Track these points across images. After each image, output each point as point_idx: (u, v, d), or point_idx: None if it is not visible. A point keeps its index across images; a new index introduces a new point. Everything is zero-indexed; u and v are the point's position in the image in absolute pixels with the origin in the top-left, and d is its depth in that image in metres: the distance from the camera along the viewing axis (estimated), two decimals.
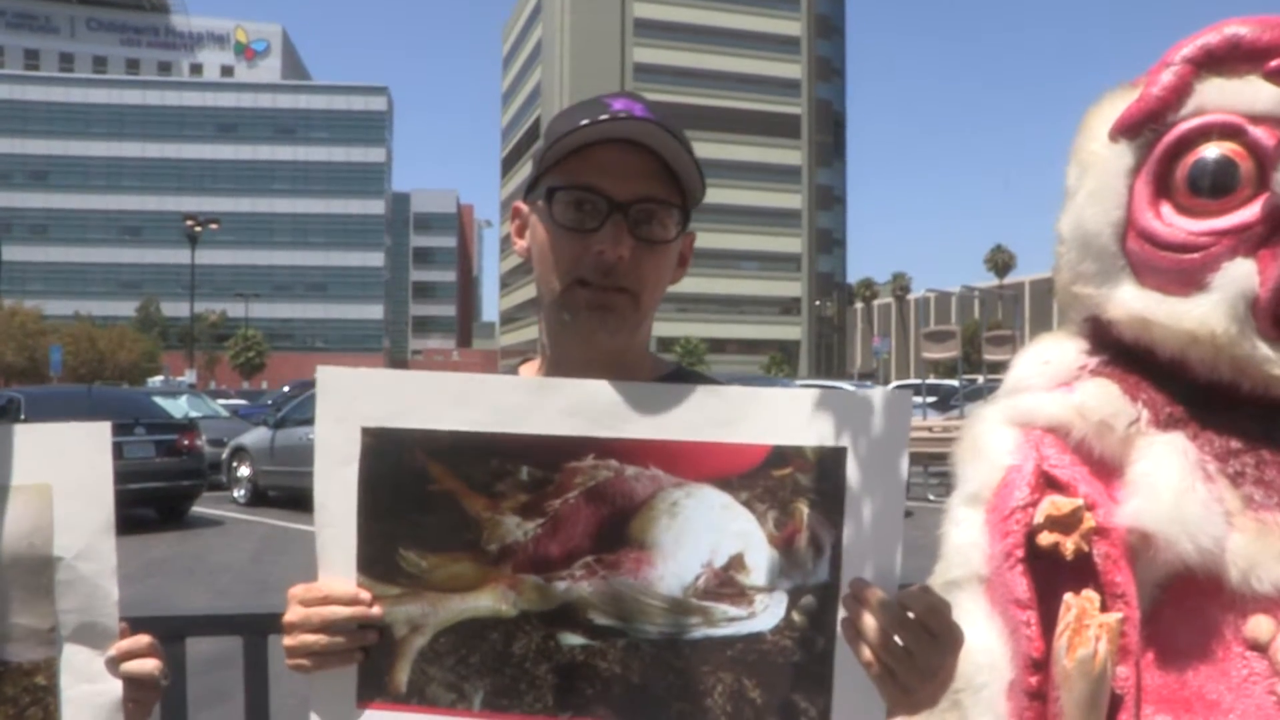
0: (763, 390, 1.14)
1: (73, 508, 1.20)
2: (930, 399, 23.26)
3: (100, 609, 1.20)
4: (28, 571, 1.18)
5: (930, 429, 16.37)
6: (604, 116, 1.23)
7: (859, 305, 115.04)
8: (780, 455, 1.10)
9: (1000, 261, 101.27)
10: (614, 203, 1.23)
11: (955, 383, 25.16)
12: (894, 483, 1.08)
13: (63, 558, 1.19)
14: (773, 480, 1.10)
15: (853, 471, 1.08)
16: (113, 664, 1.20)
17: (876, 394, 1.10)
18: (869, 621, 1.03)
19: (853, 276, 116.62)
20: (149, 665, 1.21)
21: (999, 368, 22.62)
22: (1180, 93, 1.42)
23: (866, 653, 1.04)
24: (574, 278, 1.26)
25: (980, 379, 24.37)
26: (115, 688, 1.20)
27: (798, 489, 1.09)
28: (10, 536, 1.18)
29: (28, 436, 1.21)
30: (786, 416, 1.11)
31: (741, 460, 1.11)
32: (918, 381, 25.08)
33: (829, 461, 1.09)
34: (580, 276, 1.26)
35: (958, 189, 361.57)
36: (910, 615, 1.02)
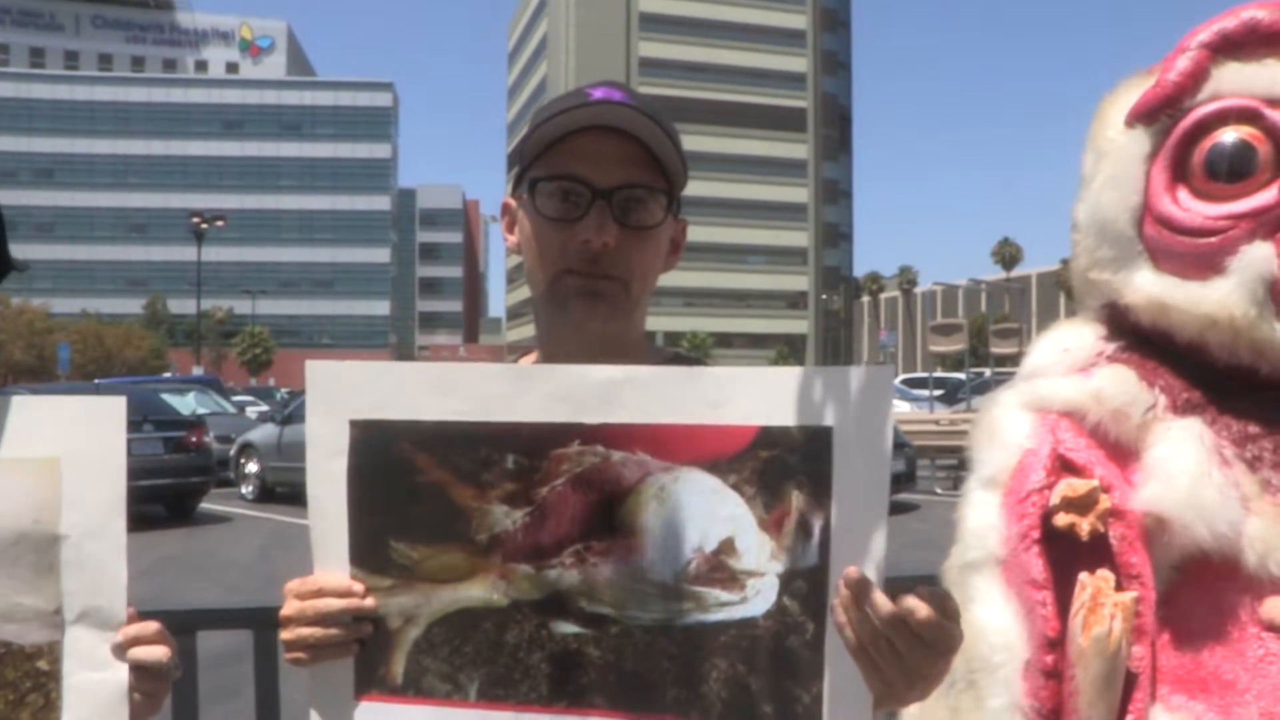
0: (748, 370, 1.13)
1: (82, 484, 1.14)
2: (937, 392, 23.22)
3: (108, 591, 1.14)
4: (33, 549, 1.12)
5: (937, 422, 16.35)
6: (582, 105, 1.23)
7: (866, 299, 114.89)
8: (768, 436, 1.09)
9: (1007, 255, 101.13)
10: (597, 190, 1.22)
11: (962, 376, 25.12)
12: (879, 460, 1.07)
13: (69, 536, 1.13)
14: (761, 462, 1.09)
15: (839, 450, 1.07)
16: (119, 650, 1.14)
17: (859, 370, 1.09)
18: (858, 615, 1.01)
19: (859, 270, 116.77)
20: (157, 653, 1.15)
21: (1006, 361, 22.60)
22: (1197, 78, 1.42)
23: (852, 642, 1.02)
24: (561, 267, 1.25)
25: (987, 372, 24.30)
26: (120, 675, 1.14)
27: (786, 470, 1.09)
28: (15, 512, 1.12)
29: (37, 408, 1.16)
30: (772, 397, 1.10)
31: (729, 442, 1.10)
32: (925, 375, 25.02)
33: (816, 441, 1.08)
34: (567, 266, 1.25)
35: (964, 182, 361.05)
36: (901, 617, 1.00)
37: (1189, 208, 1.42)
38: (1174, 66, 1.44)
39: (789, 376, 1.10)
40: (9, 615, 1.12)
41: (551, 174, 1.25)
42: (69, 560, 1.13)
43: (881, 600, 1.00)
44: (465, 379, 1.15)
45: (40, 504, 1.13)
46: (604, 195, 1.22)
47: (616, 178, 1.23)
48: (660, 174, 1.26)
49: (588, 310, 1.26)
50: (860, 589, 1.01)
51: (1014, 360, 23.56)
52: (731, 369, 1.14)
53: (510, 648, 1.12)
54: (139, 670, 1.15)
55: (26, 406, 1.16)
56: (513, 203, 1.36)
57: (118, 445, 1.16)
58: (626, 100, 1.25)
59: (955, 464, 16.10)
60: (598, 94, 1.26)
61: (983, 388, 21.23)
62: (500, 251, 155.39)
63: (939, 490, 15.48)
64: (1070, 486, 1.36)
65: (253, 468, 16.11)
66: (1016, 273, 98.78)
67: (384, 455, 1.14)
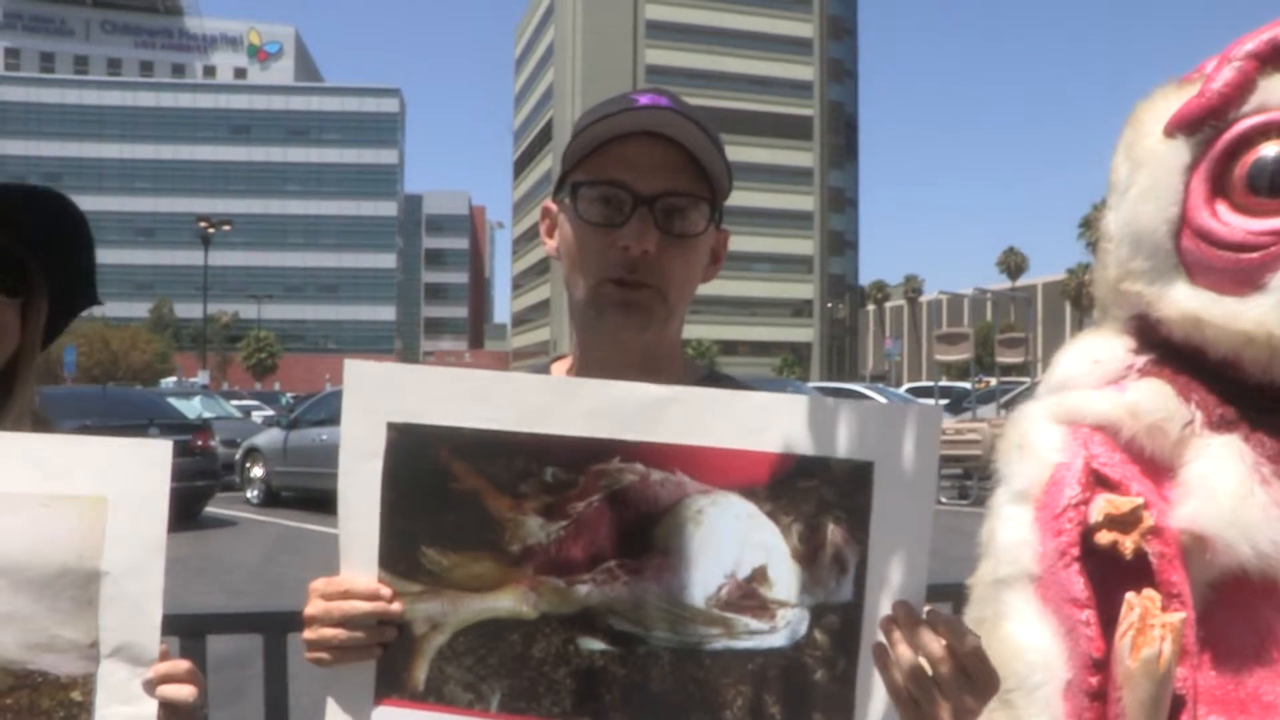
0: (792, 398, 1.12)
1: (125, 524, 1.19)
2: (943, 401, 23.20)
3: (142, 628, 1.19)
4: (74, 584, 1.17)
5: (943, 431, 16.31)
6: (627, 110, 1.22)
7: (871, 307, 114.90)
8: (806, 466, 1.09)
9: (1013, 264, 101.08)
10: (639, 197, 1.22)
11: (968, 385, 25.08)
12: (922, 502, 1.07)
13: (110, 573, 1.18)
14: (798, 492, 1.08)
15: (880, 488, 1.07)
16: (150, 686, 1.18)
17: (906, 408, 1.08)
18: (904, 651, 1.01)
19: (865, 278, 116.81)
20: (185, 691, 1.19)
21: (1011, 370, 22.56)
22: (1243, 89, 1.39)
23: (894, 680, 1.01)
24: (602, 275, 1.25)
25: (993, 381, 24.28)
26: (150, 710, 1.18)
27: (823, 503, 1.08)
28: (60, 547, 1.17)
29: (88, 448, 1.21)
30: (815, 427, 1.09)
31: (767, 469, 1.09)
32: (930, 384, 25.00)
33: (856, 476, 1.08)
34: (607, 274, 1.24)
35: (970, 191, 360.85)
36: (950, 652, 0.99)
37: (1229, 222, 1.39)
38: (1219, 76, 1.40)
39: (833, 408, 1.10)
40: (48, 646, 1.16)
41: (594, 179, 1.24)
42: (108, 596, 1.18)
43: (930, 639, 0.99)
44: (507, 388, 1.14)
45: (85, 541, 1.18)
46: (646, 202, 1.22)
47: (659, 185, 1.22)
48: (704, 181, 1.25)
49: (623, 321, 1.25)
50: (910, 628, 1.00)
51: (1020, 370, 23.56)
52: (775, 395, 1.12)
53: (535, 661, 1.11)
54: (167, 706, 1.18)
55: (76, 444, 1.21)
56: (553, 207, 1.35)
57: (162, 487, 1.20)
58: (673, 106, 1.23)
59: (960, 473, 16.10)
60: (644, 100, 1.25)
61: (988, 397, 21.23)
62: (506, 258, 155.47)
63: (944, 499, 15.46)
64: (1112, 503, 1.33)
65: (258, 472, 16.13)
66: (1022, 282, 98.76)
67: (420, 460, 1.14)
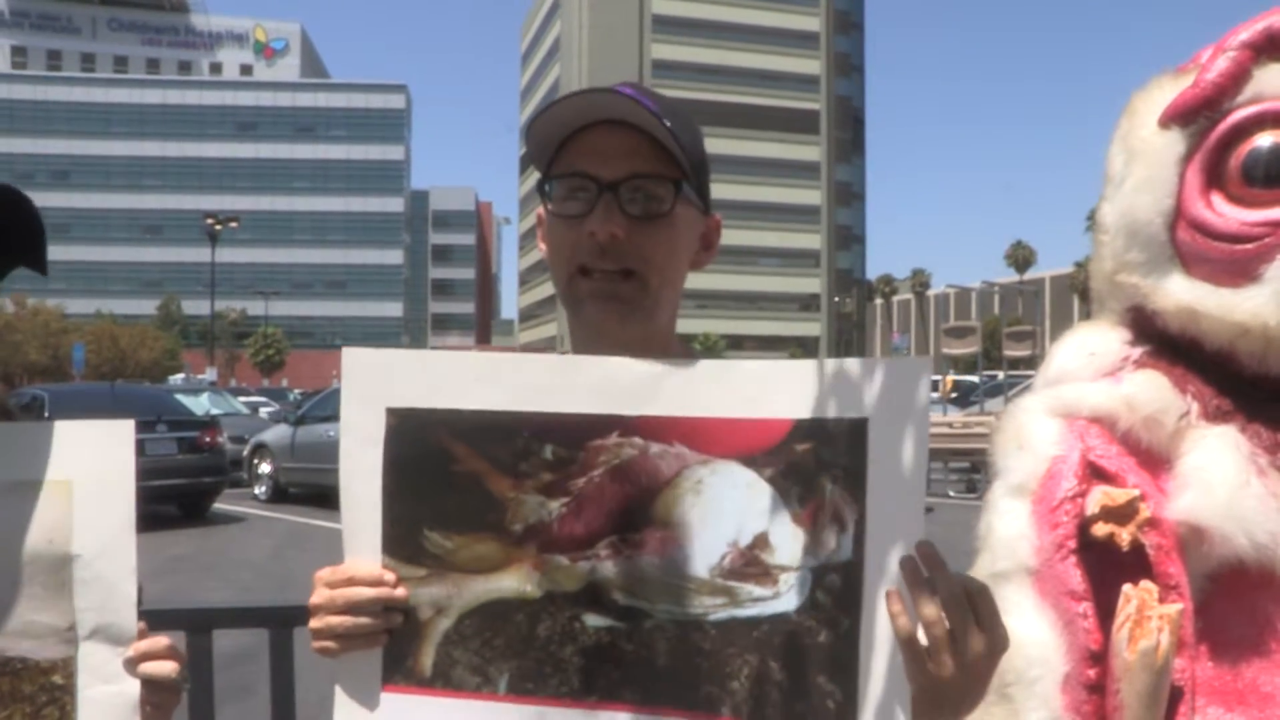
0: (784, 364, 1.13)
1: (93, 506, 1.18)
2: (950, 395, 23.16)
3: (119, 608, 1.18)
4: (47, 569, 1.17)
5: (950, 425, 16.29)
6: (573, 96, 1.24)
7: (879, 301, 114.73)
8: (802, 429, 1.09)
9: (1020, 257, 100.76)
10: (602, 184, 1.23)
11: (975, 378, 25.05)
12: (916, 453, 1.07)
13: (81, 555, 1.18)
14: (796, 455, 1.09)
15: (875, 443, 1.07)
16: (130, 664, 1.18)
17: (894, 361, 1.09)
18: (919, 595, 1.00)
19: (872, 272, 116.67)
20: (166, 667, 1.19)
21: (1019, 363, 22.55)
22: (1238, 79, 1.38)
23: (906, 629, 1.01)
24: (574, 266, 1.26)
25: (1001, 374, 24.23)
26: (133, 688, 1.18)
27: (820, 464, 1.08)
28: (30, 533, 1.17)
29: (50, 433, 1.20)
30: (808, 389, 1.10)
31: (765, 436, 1.10)
32: (938, 377, 24.98)
33: (851, 434, 1.08)
34: (580, 264, 1.25)
35: (977, 184, 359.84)
36: (963, 594, 1.00)
37: (1224, 213, 1.39)
38: (1214, 66, 1.40)
39: (824, 368, 1.10)
40: (25, 631, 1.17)
41: (560, 173, 1.26)
42: (81, 579, 1.18)
43: (947, 576, 1.00)
44: (504, 369, 1.15)
45: (54, 525, 1.17)
46: (610, 188, 1.23)
47: (621, 170, 1.23)
48: (671, 163, 1.25)
49: (602, 311, 1.25)
50: (930, 564, 1.01)
51: (1027, 363, 23.56)
52: (768, 362, 1.13)
53: (541, 641, 1.11)
54: (150, 683, 1.19)
55: (39, 431, 1.20)
56: (543, 213, 1.36)
57: (127, 467, 1.20)
58: (631, 94, 1.24)
59: (968, 467, 16.08)
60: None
61: (996, 390, 21.22)
62: (513, 253, 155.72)
63: (952, 493, 15.44)
64: (1108, 495, 1.33)
65: (266, 468, 16.17)
66: (1030, 275, 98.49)
67: (420, 444, 1.14)
